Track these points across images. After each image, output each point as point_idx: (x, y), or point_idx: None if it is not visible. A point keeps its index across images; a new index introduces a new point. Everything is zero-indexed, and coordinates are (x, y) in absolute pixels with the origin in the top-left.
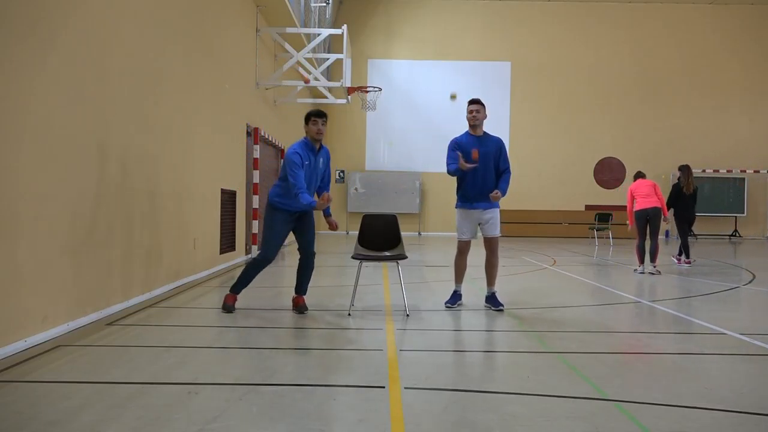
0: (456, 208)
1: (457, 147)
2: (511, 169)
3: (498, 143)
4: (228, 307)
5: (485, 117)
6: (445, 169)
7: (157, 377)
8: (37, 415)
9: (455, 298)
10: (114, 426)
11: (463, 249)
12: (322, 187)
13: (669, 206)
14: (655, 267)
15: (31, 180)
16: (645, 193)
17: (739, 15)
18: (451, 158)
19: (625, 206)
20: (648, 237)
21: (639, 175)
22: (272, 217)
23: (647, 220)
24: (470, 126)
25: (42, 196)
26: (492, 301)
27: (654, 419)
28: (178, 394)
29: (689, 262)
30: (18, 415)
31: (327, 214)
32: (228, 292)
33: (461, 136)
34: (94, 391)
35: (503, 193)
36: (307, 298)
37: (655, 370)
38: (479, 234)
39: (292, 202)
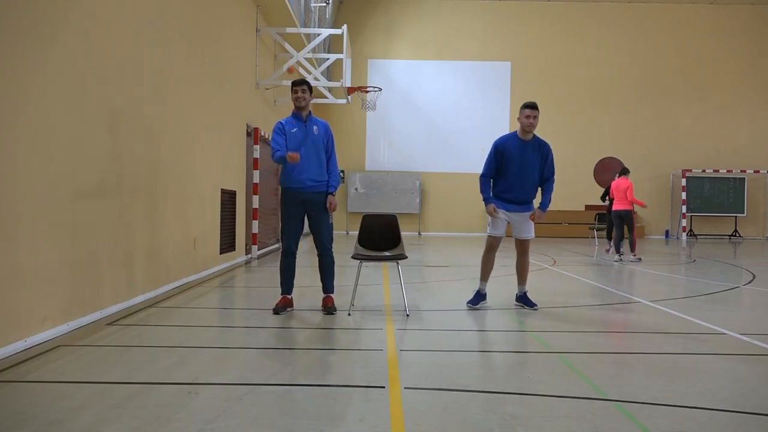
0: (490, 202)
1: (499, 153)
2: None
3: (544, 150)
4: (277, 309)
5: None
6: (445, 169)
7: (157, 377)
8: (37, 415)
9: (478, 298)
10: (114, 426)
11: (493, 245)
12: (329, 162)
13: (603, 200)
14: (635, 255)
15: (31, 180)
16: (620, 197)
17: (738, 15)
18: (486, 167)
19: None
20: (625, 233)
21: (623, 173)
22: (281, 202)
23: (621, 218)
24: (524, 131)
25: (42, 196)
26: (524, 299)
27: (654, 419)
28: (178, 394)
29: (607, 250)
30: (18, 415)
31: (330, 191)
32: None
33: (508, 137)
34: (94, 391)
35: (545, 208)
36: (307, 298)
37: (655, 370)
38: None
39: (291, 176)
